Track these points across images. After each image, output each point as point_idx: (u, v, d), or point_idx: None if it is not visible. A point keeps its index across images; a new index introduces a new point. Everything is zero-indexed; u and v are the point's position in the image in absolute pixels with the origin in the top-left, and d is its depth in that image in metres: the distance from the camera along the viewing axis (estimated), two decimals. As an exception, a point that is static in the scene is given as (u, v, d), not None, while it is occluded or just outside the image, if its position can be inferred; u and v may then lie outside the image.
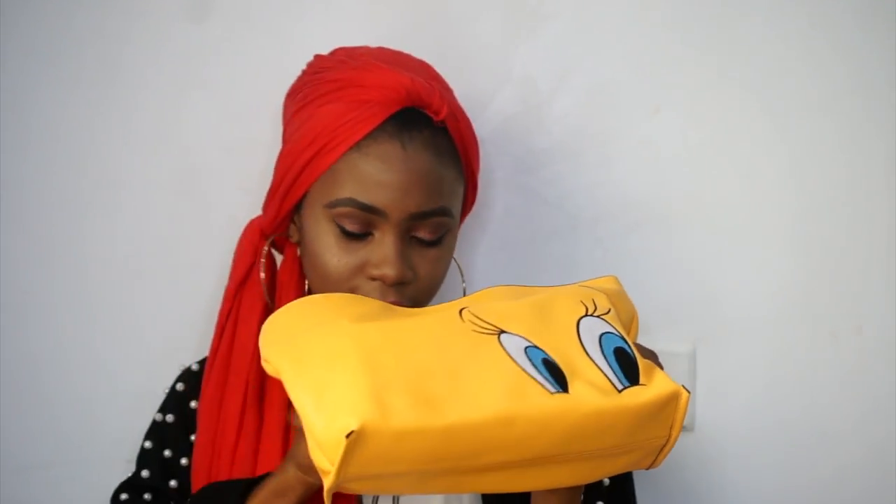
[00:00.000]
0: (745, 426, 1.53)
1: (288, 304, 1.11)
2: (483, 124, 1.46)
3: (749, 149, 1.52)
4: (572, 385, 1.02)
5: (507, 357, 1.02)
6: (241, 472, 1.23)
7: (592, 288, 1.14)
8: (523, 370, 1.02)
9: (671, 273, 1.53)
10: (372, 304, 1.11)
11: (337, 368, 0.98)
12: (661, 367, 1.11)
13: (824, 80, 1.51)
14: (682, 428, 1.07)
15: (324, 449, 0.96)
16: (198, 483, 1.25)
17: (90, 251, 1.51)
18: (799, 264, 1.53)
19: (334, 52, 1.31)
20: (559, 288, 1.15)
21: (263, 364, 1.07)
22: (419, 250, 1.22)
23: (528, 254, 1.53)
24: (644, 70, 1.52)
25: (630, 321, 1.16)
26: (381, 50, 1.30)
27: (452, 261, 1.28)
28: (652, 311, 1.36)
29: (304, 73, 1.30)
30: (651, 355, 1.12)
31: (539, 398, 1.00)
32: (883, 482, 1.53)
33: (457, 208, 1.25)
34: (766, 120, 1.52)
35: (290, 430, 1.23)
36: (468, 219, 1.35)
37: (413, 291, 1.22)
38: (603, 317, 1.09)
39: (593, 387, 1.02)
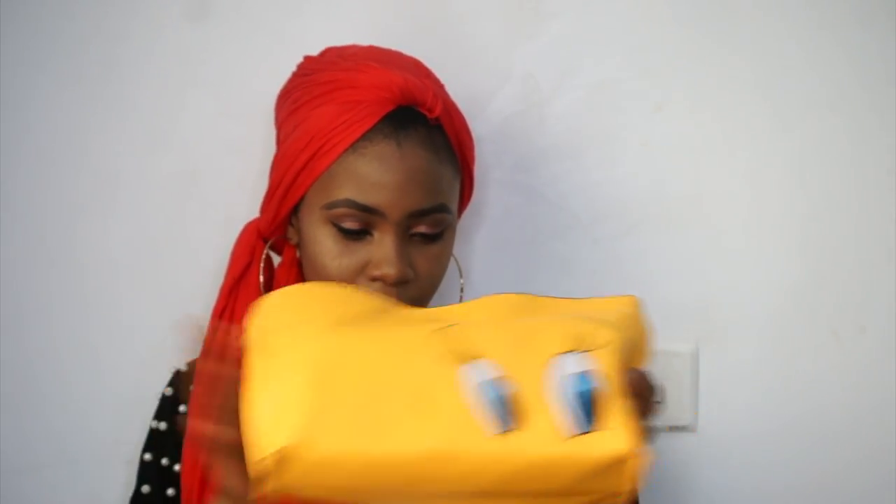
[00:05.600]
0: (748, 426, 1.53)
1: (285, 290, 1.07)
2: (483, 123, 1.45)
3: (751, 148, 1.52)
4: (520, 427, 0.99)
5: (461, 391, 1.00)
6: None
7: (595, 318, 1.08)
8: (472, 407, 0.99)
9: (673, 272, 1.52)
10: (368, 304, 1.08)
11: (287, 377, 0.97)
12: (660, 404, 1.06)
13: (828, 78, 1.51)
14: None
15: (252, 455, 0.95)
16: (187, 485, 1.25)
17: (87, 251, 1.51)
18: (802, 263, 1.52)
19: (324, 53, 1.31)
20: (560, 309, 1.11)
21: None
22: (419, 248, 1.22)
23: (528, 253, 1.52)
24: (646, 68, 1.51)
25: (638, 348, 1.11)
26: (371, 49, 1.29)
27: (452, 258, 1.27)
28: (653, 311, 1.34)
29: (295, 75, 1.30)
30: (647, 391, 1.04)
31: (478, 439, 0.97)
32: (886, 481, 1.53)
33: (455, 205, 1.25)
34: (769, 119, 1.51)
35: None
36: (467, 218, 1.34)
37: (414, 290, 1.22)
38: (591, 353, 1.04)
39: (540, 432, 0.99)
